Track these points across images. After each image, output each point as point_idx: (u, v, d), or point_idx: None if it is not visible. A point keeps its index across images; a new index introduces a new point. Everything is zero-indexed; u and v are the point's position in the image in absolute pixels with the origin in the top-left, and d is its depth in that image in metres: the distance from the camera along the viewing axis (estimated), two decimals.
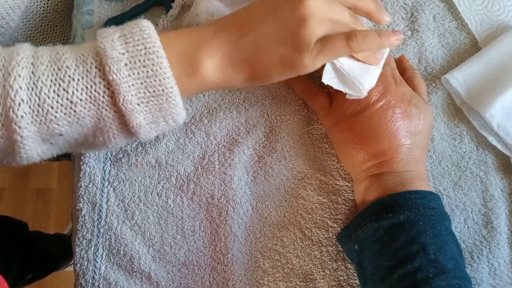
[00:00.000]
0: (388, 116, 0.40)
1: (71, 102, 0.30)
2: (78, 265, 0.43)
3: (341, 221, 0.44)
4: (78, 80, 0.30)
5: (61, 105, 0.30)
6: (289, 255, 0.44)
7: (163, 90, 0.31)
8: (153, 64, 0.31)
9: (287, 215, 0.45)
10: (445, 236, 0.37)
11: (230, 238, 0.44)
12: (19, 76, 0.29)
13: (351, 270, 0.44)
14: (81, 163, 0.44)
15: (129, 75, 0.30)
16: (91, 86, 0.30)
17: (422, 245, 0.36)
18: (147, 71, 0.31)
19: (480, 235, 0.44)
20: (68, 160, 0.46)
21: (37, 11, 0.53)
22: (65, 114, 0.30)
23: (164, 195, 0.45)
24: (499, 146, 0.46)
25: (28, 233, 0.95)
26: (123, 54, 0.30)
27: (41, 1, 0.52)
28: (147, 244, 0.44)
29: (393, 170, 0.40)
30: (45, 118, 0.30)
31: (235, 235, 0.44)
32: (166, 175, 0.45)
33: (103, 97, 0.31)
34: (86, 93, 0.30)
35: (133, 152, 0.45)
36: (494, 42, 0.47)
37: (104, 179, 0.45)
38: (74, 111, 0.31)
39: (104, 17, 0.48)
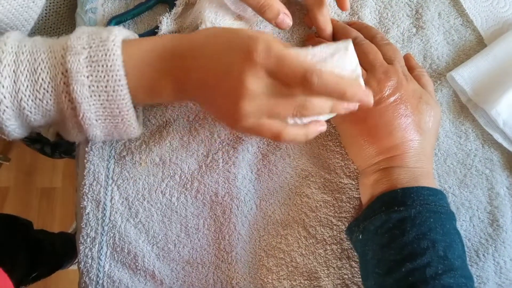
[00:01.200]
0: (401, 110, 0.40)
1: (46, 109, 0.35)
2: (82, 263, 0.43)
3: (345, 219, 0.44)
4: (51, 92, 0.35)
5: (38, 111, 0.35)
6: (293, 253, 0.44)
7: (119, 112, 0.36)
8: (113, 91, 0.35)
9: (291, 213, 0.45)
10: (453, 235, 0.37)
11: (234, 236, 0.44)
12: (3, 86, 0.34)
13: (355, 269, 0.43)
14: (85, 161, 0.45)
15: (91, 96, 0.34)
16: (59, 99, 0.35)
17: (432, 241, 0.36)
18: (107, 95, 0.35)
19: (486, 233, 0.44)
20: (72, 158, 0.47)
21: (39, 14, 0.53)
22: (41, 117, 0.36)
23: (168, 193, 0.45)
24: (505, 144, 0.45)
25: (33, 232, 0.96)
26: (87, 77, 0.34)
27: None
28: (151, 242, 0.44)
29: (405, 165, 0.40)
30: (25, 120, 0.36)
31: (239, 233, 0.44)
32: (170, 173, 0.45)
33: (67, 109, 0.35)
34: (56, 104, 0.35)
35: (137, 150, 0.45)
36: (500, 39, 0.47)
37: (108, 177, 0.45)
38: (49, 115, 0.36)
39: (107, 15, 0.48)
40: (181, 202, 0.45)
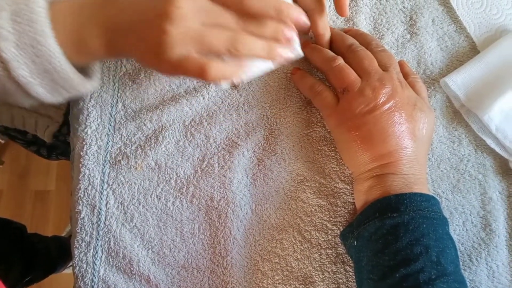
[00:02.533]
0: (395, 118, 0.40)
1: None
2: (77, 267, 0.43)
3: (340, 224, 0.44)
4: None
5: None
6: (289, 258, 0.44)
7: (53, 67, 0.33)
8: (40, 45, 0.32)
9: (287, 217, 0.45)
10: (446, 240, 0.37)
11: (230, 241, 0.44)
12: None
13: (350, 273, 0.44)
14: (80, 165, 0.44)
15: (19, 53, 0.32)
16: None
17: (425, 247, 0.36)
18: (35, 51, 0.32)
19: (479, 238, 0.44)
20: (67, 160, 0.47)
21: None
22: None
23: (163, 198, 0.45)
24: (497, 149, 0.46)
25: (27, 235, 0.95)
26: (12, 33, 0.32)
27: None
28: (146, 246, 0.44)
29: (399, 172, 0.40)
30: None
31: (235, 238, 0.44)
32: (166, 178, 0.45)
33: (1, 71, 0.33)
34: None
35: (132, 154, 0.45)
36: (493, 46, 0.48)
37: (103, 181, 0.45)
38: None
39: None
40: (177, 206, 0.45)
